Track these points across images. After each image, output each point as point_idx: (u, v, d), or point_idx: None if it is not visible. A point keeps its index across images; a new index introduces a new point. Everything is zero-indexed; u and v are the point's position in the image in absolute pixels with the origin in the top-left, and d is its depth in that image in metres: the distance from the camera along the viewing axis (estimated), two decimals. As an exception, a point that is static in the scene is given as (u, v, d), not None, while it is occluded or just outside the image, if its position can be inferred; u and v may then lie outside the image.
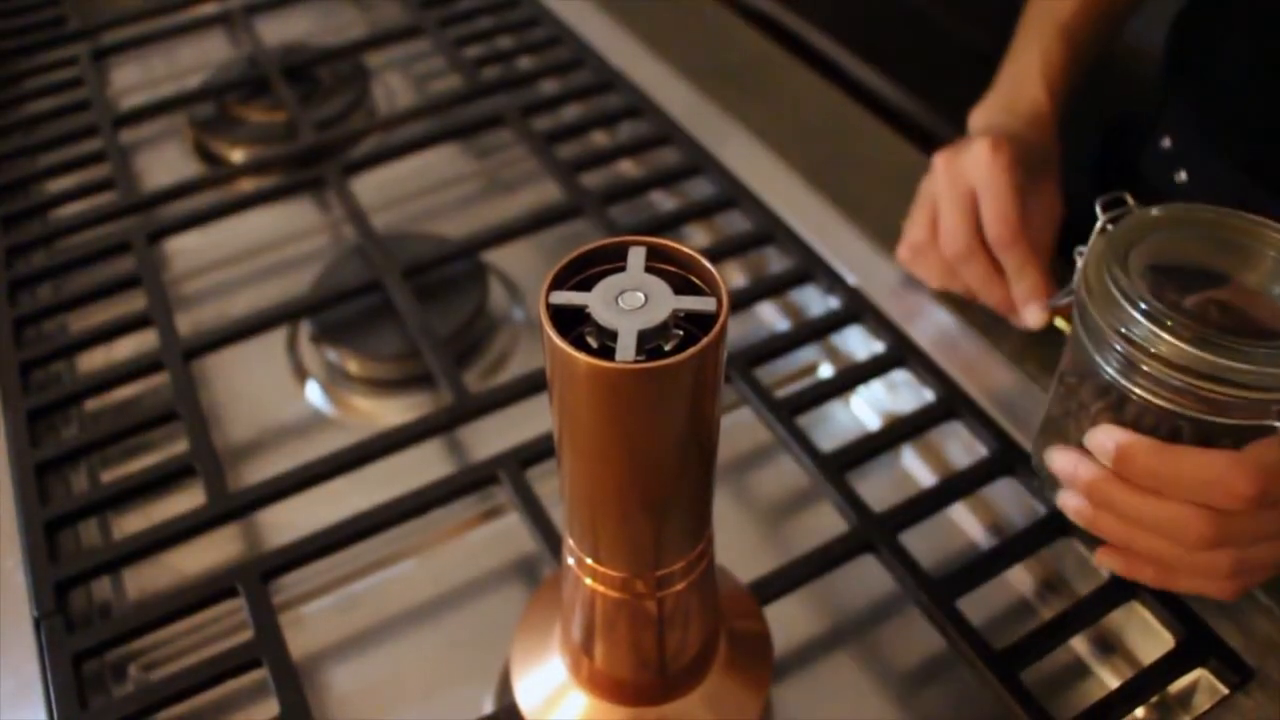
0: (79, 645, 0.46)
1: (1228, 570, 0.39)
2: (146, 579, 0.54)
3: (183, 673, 0.45)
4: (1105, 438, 0.39)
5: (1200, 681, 0.45)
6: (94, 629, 0.47)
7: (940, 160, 0.55)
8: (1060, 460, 0.42)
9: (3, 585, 0.49)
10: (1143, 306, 0.37)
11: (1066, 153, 0.58)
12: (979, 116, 0.59)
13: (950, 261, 0.55)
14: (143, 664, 0.51)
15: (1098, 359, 0.40)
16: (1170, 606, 0.45)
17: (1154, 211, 0.42)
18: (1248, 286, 0.40)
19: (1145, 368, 0.38)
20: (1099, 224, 0.42)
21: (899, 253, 0.60)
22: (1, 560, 0.50)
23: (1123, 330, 0.38)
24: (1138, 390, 0.38)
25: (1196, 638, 0.45)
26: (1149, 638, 0.47)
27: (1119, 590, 0.46)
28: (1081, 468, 0.41)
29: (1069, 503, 0.44)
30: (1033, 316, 0.53)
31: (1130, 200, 0.42)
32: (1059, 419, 0.45)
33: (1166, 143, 0.62)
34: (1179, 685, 0.45)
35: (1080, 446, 0.42)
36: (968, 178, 0.53)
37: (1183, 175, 0.60)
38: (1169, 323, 0.37)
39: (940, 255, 0.56)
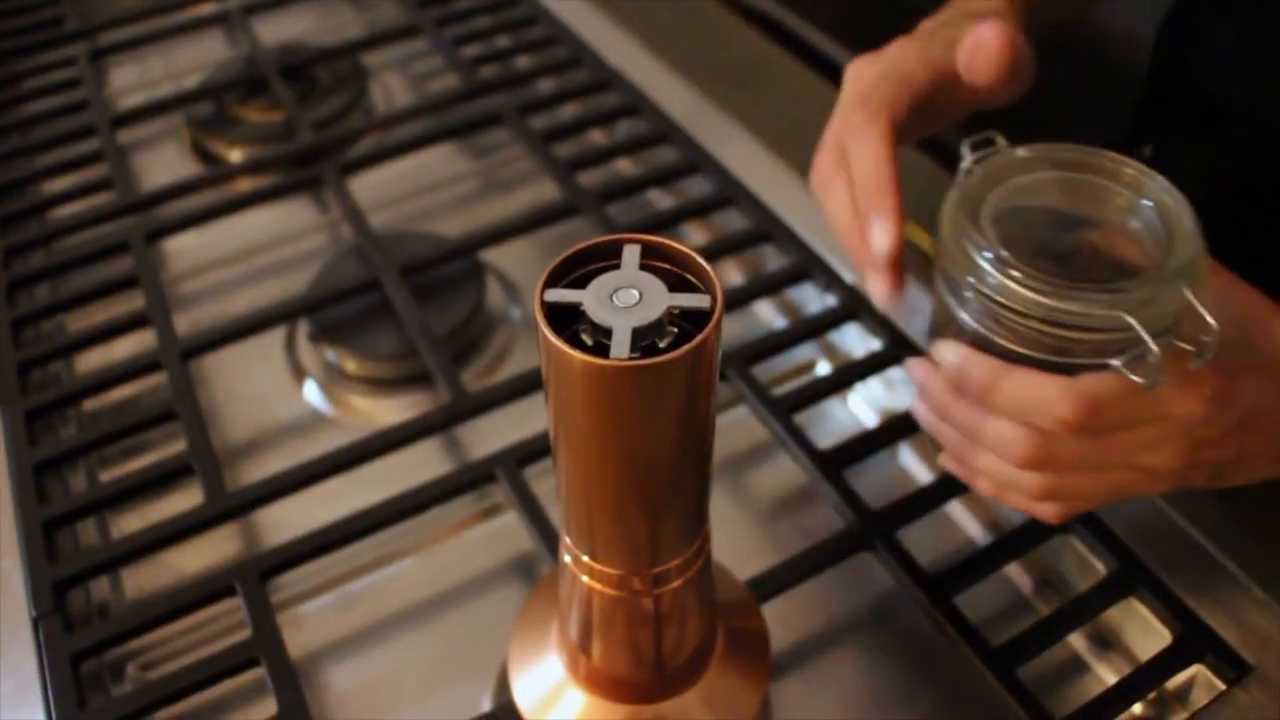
0: (77, 645, 0.46)
1: (1041, 491, 0.40)
2: (145, 578, 0.54)
3: (181, 672, 0.45)
4: (949, 352, 0.40)
5: (1197, 677, 0.45)
6: (92, 628, 0.47)
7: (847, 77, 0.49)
8: (915, 370, 0.43)
9: (1, 585, 0.49)
10: (987, 255, 0.37)
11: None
12: (928, 21, 0.53)
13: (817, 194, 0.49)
14: (141, 663, 0.51)
15: (952, 301, 0.40)
16: (1168, 603, 0.46)
17: (1018, 152, 0.41)
18: (1113, 226, 0.40)
19: (995, 313, 0.38)
20: (963, 165, 0.41)
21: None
22: (0, 560, 0.50)
23: (970, 279, 0.38)
24: (985, 331, 0.39)
25: (1194, 633, 0.45)
26: (1146, 634, 0.47)
27: (1117, 587, 0.46)
28: (930, 379, 0.42)
29: (918, 409, 0.44)
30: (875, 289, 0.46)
31: (1000, 140, 0.42)
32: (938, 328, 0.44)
33: (1148, 152, 0.62)
34: (1176, 681, 0.45)
35: None
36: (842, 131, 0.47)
37: None
38: (1014, 272, 0.37)
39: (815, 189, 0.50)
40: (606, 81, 0.77)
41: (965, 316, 0.39)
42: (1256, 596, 0.46)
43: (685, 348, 0.27)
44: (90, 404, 0.61)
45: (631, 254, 0.29)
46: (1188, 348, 0.36)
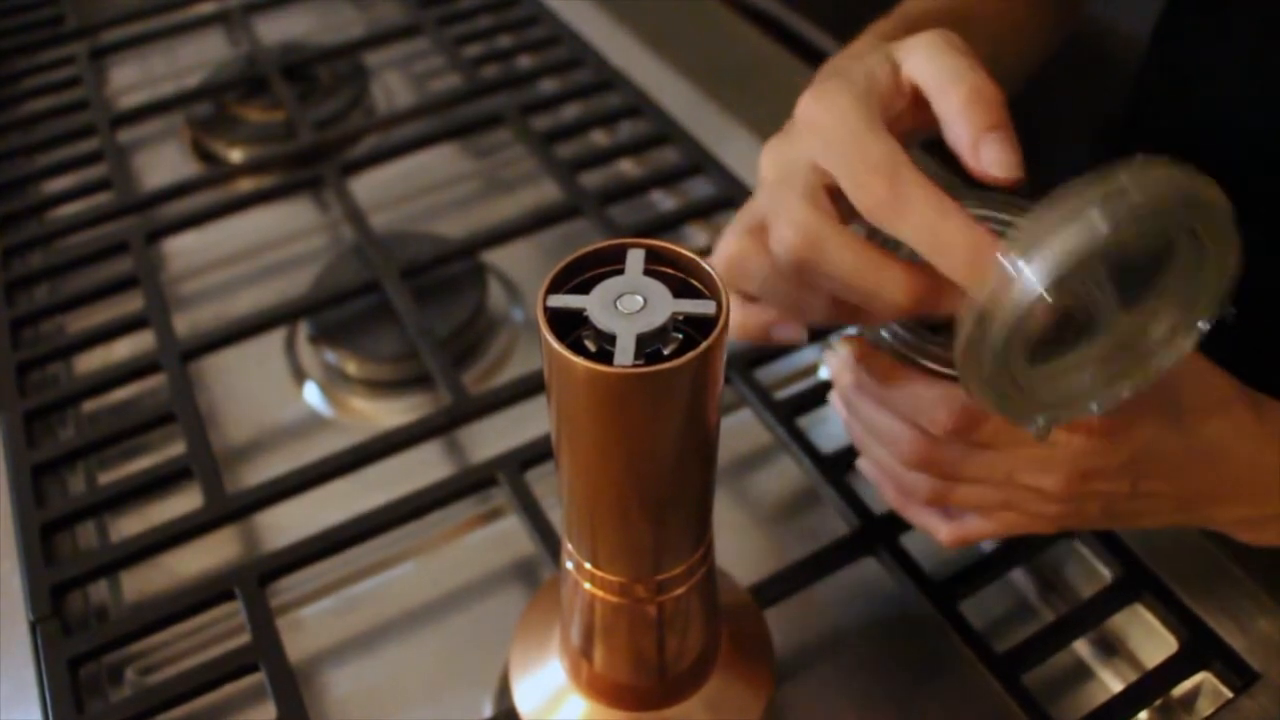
0: (75, 649, 0.46)
1: (930, 495, 0.41)
2: (143, 582, 0.53)
3: (180, 676, 0.45)
4: (848, 350, 0.41)
5: (1204, 685, 0.45)
6: (90, 633, 0.47)
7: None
8: (831, 360, 0.43)
9: (-1, 588, 0.49)
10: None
11: (1054, 151, 0.58)
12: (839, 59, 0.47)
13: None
14: (139, 668, 0.51)
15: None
16: (1174, 609, 0.45)
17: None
18: None
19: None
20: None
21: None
22: (-2, 563, 0.50)
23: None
24: (882, 336, 0.40)
25: (1200, 641, 0.44)
26: (1152, 640, 0.47)
27: (1122, 593, 0.46)
28: (840, 373, 0.42)
29: (833, 401, 0.45)
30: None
31: None
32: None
33: (1139, 158, 0.61)
34: (1182, 689, 0.45)
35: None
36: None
37: None
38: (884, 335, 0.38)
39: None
40: (608, 82, 0.76)
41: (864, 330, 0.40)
42: (1264, 603, 0.46)
43: (690, 355, 0.27)
44: (89, 405, 0.60)
45: (636, 259, 0.29)
46: None
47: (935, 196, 0.32)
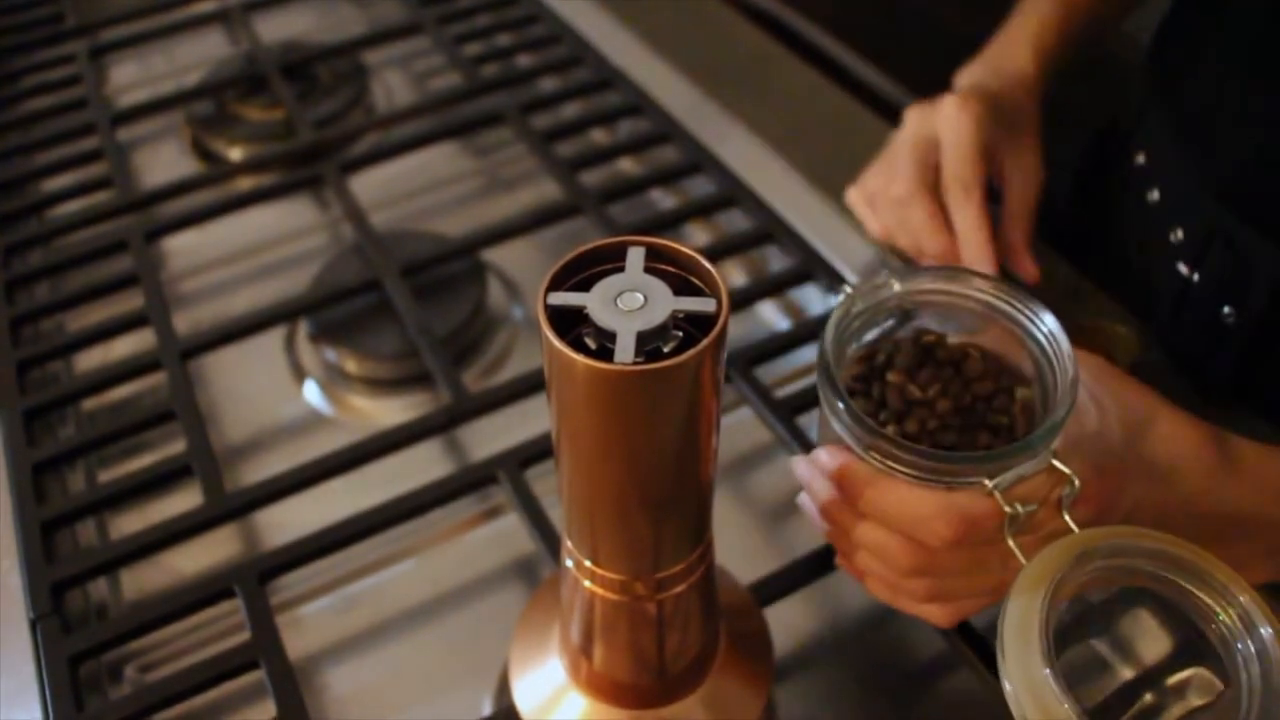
0: (75, 647, 0.46)
1: (926, 594, 0.40)
2: (143, 580, 0.53)
3: (180, 674, 0.45)
4: (828, 460, 0.39)
5: (1193, 679, 0.45)
6: (90, 630, 0.47)
7: (911, 112, 0.57)
8: (801, 468, 0.43)
9: (-1, 586, 0.49)
10: (842, 410, 0.37)
11: (1054, 150, 0.58)
12: (965, 75, 0.60)
13: (896, 202, 0.56)
14: (139, 665, 0.51)
15: (830, 417, 0.39)
16: (1170, 613, 0.45)
17: (895, 286, 0.40)
18: (1004, 331, 0.40)
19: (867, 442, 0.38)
20: (845, 290, 0.41)
21: (849, 193, 0.61)
22: (-2, 561, 0.50)
23: (840, 423, 0.38)
24: (861, 451, 0.38)
25: (1192, 644, 0.44)
26: (1143, 651, 0.47)
27: (1113, 607, 0.46)
28: (815, 480, 0.41)
29: (804, 505, 0.44)
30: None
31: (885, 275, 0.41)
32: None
33: (1141, 159, 0.61)
34: (1176, 679, 0.45)
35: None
36: (933, 126, 0.55)
37: (1155, 195, 0.59)
38: (867, 425, 0.37)
39: (888, 197, 0.56)
40: (608, 80, 0.76)
41: (844, 433, 0.39)
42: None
43: (691, 352, 0.27)
44: (89, 404, 0.60)
45: (636, 257, 0.29)
46: (1064, 469, 0.36)
47: (978, 214, 0.53)
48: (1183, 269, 0.57)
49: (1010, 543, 0.36)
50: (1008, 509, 0.36)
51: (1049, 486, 0.37)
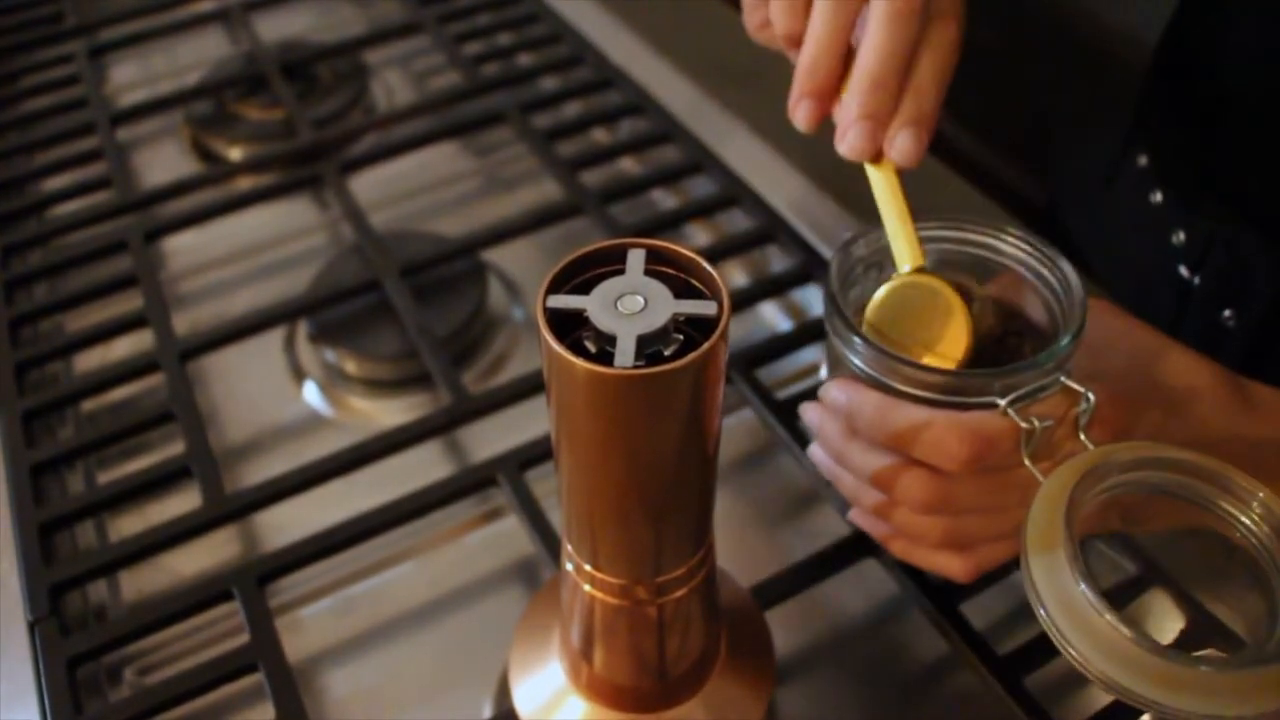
0: (74, 649, 0.46)
1: (943, 537, 0.40)
2: (142, 582, 0.53)
3: (178, 677, 0.45)
4: (838, 393, 0.39)
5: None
6: (89, 633, 0.47)
7: None
8: (810, 413, 0.42)
9: (-3, 588, 0.49)
10: (855, 341, 0.38)
11: (1054, 151, 0.57)
12: None
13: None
14: (138, 668, 0.50)
15: (840, 345, 0.39)
16: (1175, 595, 0.45)
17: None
18: (1010, 279, 0.40)
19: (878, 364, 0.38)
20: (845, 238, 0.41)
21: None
22: (-4, 563, 0.50)
23: (853, 352, 0.38)
24: (873, 374, 0.39)
25: (1201, 626, 0.44)
26: (1154, 631, 0.46)
27: (1125, 593, 0.46)
28: (825, 422, 0.41)
29: (815, 455, 0.43)
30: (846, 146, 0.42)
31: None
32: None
33: (1143, 161, 0.61)
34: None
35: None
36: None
37: (1158, 196, 0.59)
38: (879, 348, 0.37)
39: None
40: (609, 80, 0.76)
41: (854, 360, 0.39)
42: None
43: (691, 356, 0.26)
44: (88, 405, 0.60)
45: (636, 259, 0.29)
46: (1078, 388, 0.36)
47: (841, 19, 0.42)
48: (1184, 271, 0.57)
49: (1028, 463, 0.36)
50: (1024, 424, 0.35)
51: (1065, 406, 0.36)
